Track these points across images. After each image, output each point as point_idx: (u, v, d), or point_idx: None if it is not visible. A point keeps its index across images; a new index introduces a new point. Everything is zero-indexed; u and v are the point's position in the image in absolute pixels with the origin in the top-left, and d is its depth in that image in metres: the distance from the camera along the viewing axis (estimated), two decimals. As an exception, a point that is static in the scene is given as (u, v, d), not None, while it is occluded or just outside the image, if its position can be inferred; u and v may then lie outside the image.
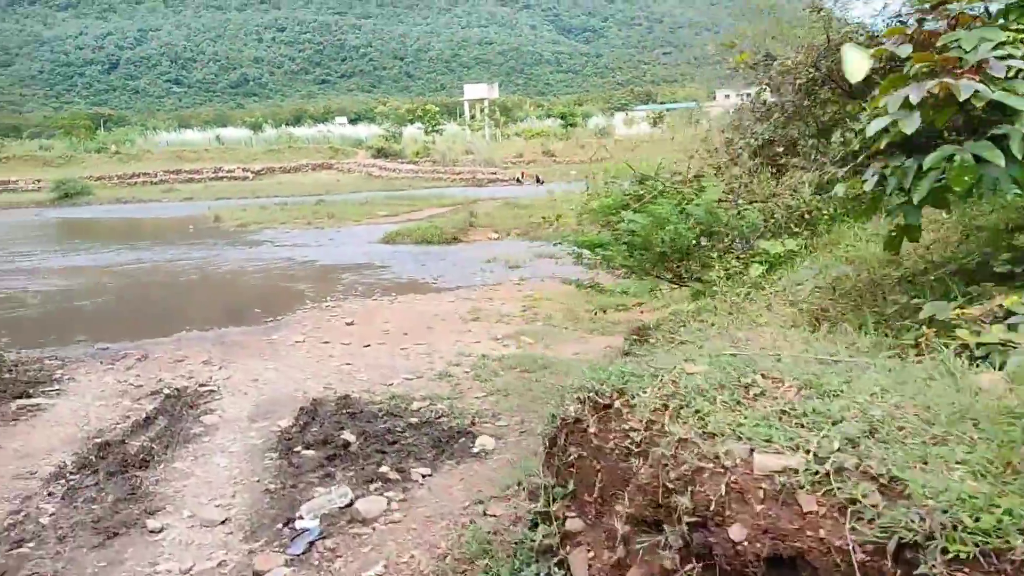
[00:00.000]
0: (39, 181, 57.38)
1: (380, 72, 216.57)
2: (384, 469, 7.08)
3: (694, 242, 9.30)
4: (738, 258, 8.50)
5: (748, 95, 12.17)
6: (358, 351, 13.27)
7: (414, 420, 8.92)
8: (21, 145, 77.48)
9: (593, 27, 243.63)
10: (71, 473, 7.87)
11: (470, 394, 10.26)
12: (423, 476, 7.11)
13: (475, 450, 7.51)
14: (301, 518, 6.34)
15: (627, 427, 3.37)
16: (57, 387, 11.43)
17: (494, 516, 6.09)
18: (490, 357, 12.21)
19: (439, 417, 9.03)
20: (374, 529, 6.27)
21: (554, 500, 3.85)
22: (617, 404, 3.46)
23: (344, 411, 9.44)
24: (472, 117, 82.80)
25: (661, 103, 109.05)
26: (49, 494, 7.35)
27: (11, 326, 16.52)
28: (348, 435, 8.21)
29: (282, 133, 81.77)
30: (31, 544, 6.34)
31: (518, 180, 55.02)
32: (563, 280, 13.44)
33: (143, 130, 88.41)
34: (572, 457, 3.75)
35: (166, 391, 10.91)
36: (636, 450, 3.29)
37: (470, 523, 5.98)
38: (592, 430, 3.58)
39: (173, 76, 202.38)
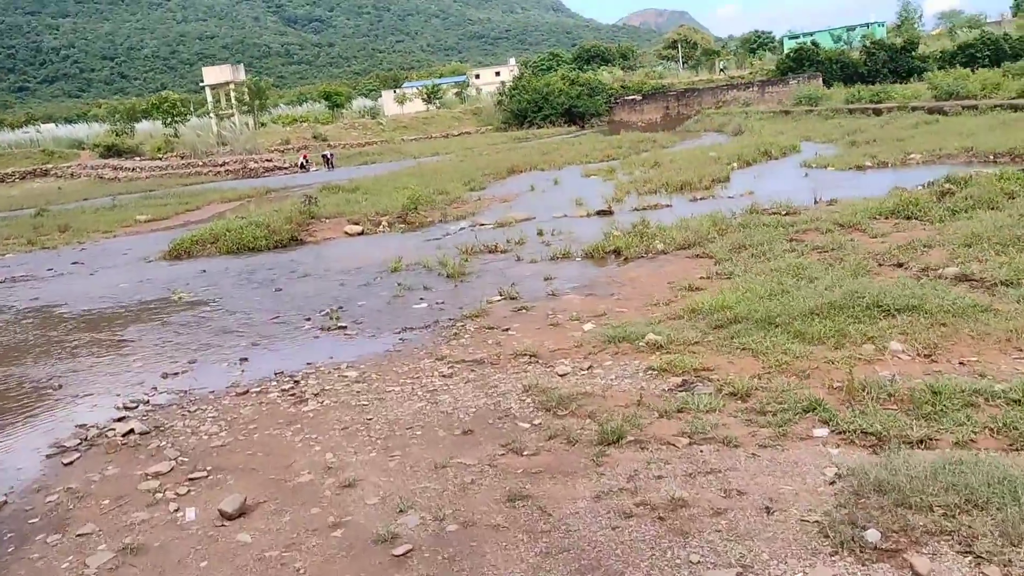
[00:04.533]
0: None
1: (88, 75, 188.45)
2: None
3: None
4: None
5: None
6: None
7: None
8: None
9: (320, 17, 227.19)
10: None
11: None
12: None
13: None
14: None
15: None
16: None
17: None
18: None
19: None
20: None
21: None
22: None
23: None
24: (218, 103, 68.40)
25: (411, 83, 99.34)
26: None
27: None
28: None
29: (-28, 139, 62.58)
30: None
31: (302, 166, 43.24)
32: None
33: None
34: None
35: None
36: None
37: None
38: None
39: None
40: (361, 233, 17.21)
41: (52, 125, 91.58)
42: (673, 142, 35.62)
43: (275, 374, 7.76)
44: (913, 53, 64.27)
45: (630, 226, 13.43)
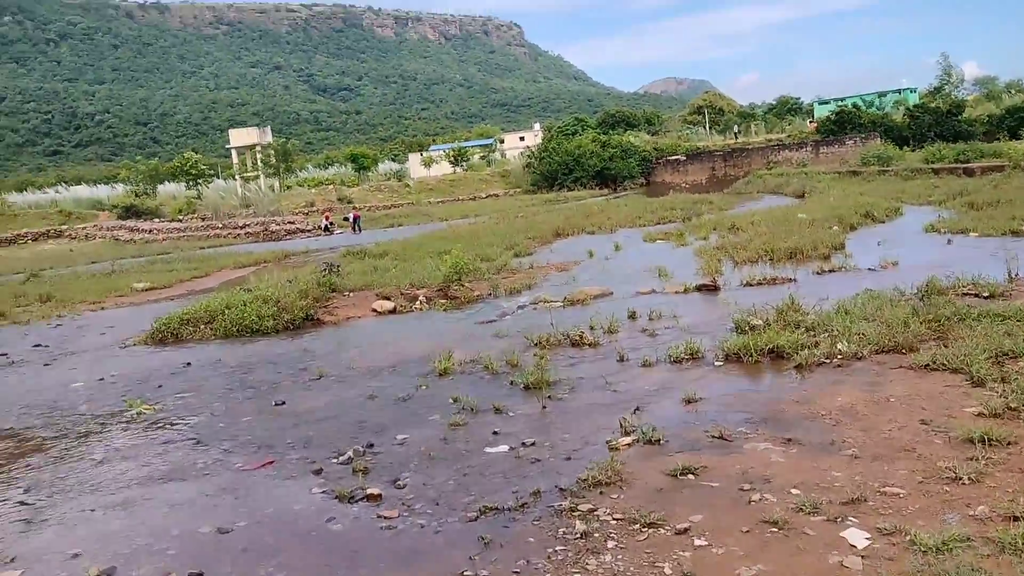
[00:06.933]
0: None
1: (121, 139, 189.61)
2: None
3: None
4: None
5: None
6: None
7: None
8: None
9: (348, 86, 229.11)
10: None
11: None
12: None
13: None
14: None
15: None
16: None
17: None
18: None
19: None
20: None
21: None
22: None
23: None
24: (244, 166, 65.83)
25: (436, 146, 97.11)
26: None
27: None
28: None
29: (-10, 200, 59.68)
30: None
31: (326, 228, 39.86)
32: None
33: None
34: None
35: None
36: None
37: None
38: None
39: None
40: (393, 311, 13.32)
41: (81, 186, 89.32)
42: (731, 204, 31.81)
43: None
44: (959, 117, 61.03)
45: (770, 310, 9.45)
